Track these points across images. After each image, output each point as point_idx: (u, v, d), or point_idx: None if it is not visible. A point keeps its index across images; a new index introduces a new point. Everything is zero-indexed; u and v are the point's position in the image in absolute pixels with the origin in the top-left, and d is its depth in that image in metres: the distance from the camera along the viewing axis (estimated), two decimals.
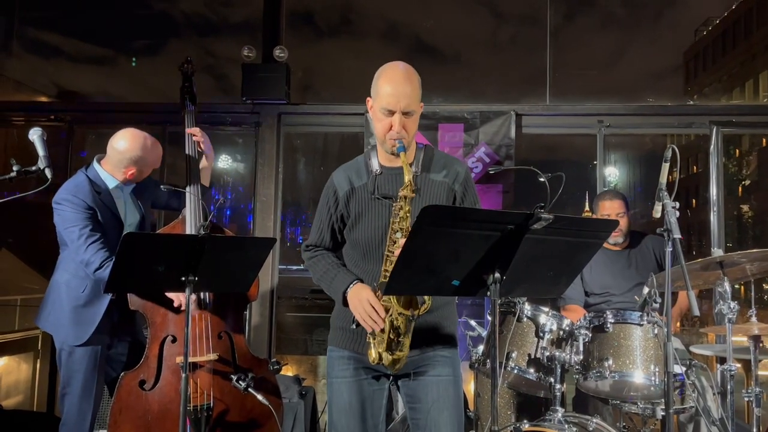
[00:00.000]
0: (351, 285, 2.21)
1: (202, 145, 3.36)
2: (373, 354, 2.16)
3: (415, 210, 2.20)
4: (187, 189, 3.23)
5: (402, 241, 2.07)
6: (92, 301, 3.01)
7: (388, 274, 2.10)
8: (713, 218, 4.93)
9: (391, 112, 2.18)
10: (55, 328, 3.04)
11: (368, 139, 4.89)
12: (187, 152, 3.35)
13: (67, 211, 2.97)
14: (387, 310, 2.11)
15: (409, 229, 2.10)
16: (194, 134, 3.35)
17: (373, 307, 2.11)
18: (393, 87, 2.19)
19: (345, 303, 2.22)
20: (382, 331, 2.12)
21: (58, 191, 3.04)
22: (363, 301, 2.13)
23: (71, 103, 6.35)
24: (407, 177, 2.14)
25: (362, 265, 2.30)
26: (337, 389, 2.32)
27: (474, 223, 1.77)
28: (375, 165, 2.31)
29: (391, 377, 2.33)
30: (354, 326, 2.22)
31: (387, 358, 2.13)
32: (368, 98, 2.31)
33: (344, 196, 2.32)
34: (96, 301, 3.02)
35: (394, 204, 2.19)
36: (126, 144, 3.08)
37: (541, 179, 1.87)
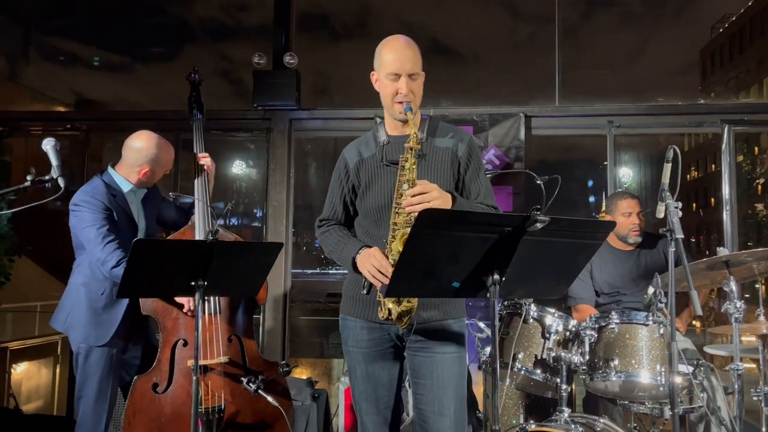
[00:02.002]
0: (360, 250, 2.28)
1: (209, 169, 3.41)
2: (382, 310, 2.21)
3: (421, 175, 2.27)
4: (196, 196, 3.29)
5: (408, 191, 2.14)
6: (112, 303, 3.08)
7: (396, 228, 2.20)
8: (726, 217, 4.92)
9: (398, 76, 2.27)
10: (73, 329, 3.09)
11: None
12: (195, 151, 3.42)
13: (85, 212, 3.04)
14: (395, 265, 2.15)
15: (415, 180, 2.18)
16: (205, 162, 3.41)
17: (380, 262, 2.16)
18: (396, 53, 2.29)
19: (356, 269, 2.28)
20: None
21: (75, 194, 3.11)
22: (370, 257, 2.20)
23: (87, 112, 6.47)
24: (412, 131, 2.20)
25: (373, 232, 2.36)
26: (354, 358, 2.40)
27: (472, 226, 1.80)
28: (383, 135, 2.40)
29: (405, 348, 2.37)
30: (364, 291, 2.27)
31: (395, 310, 2.17)
32: (372, 72, 2.39)
33: (354, 167, 2.41)
34: (115, 303, 3.08)
35: (400, 157, 2.25)
36: (141, 143, 3.19)
37: (538, 182, 1.90)
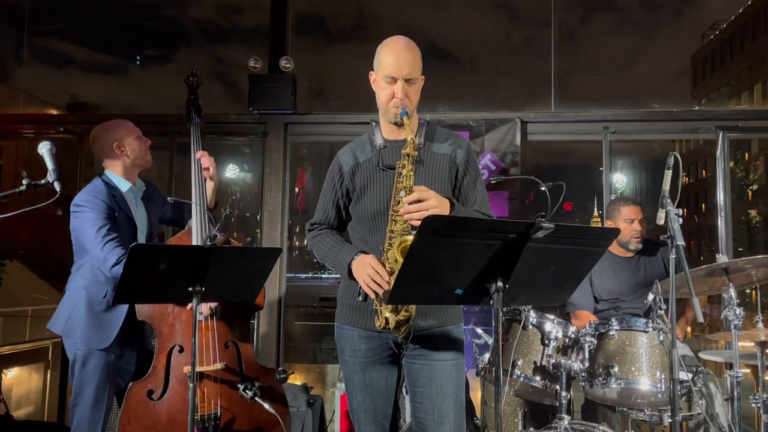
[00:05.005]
0: (356, 256, 2.24)
1: (211, 171, 3.35)
2: (379, 319, 2.18)
3: (419, 181, 2.25)
4: (193, 201, 3.26)
5: (406, 199, 2.11)
6: (113, 306, 3.04)
7: (393, 236, 2.17)
8: (720, 223, 4.93)
9: (394, 79, 2.25)
10: (74, 332, 3.03)
11: None
12: (192, 163, 3.37)
13: (87, 212, 3.01)
14: (391, 273, 2.12)
15: (412, 187, 2.16)
16: (203, 162, 3.34)
17: (376, 271, 2.13)
18: (395, 56, 2.26)
19: (351, 276, 2.25)
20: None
21: (76, 196, 3.09)
22: (366, 266, 2.17)
23: (81, 115, 6.40)
24: (409, 137, 2.18)
25: (368, 237, 2.33)
26: (351, 367, 2.38)
27: (476, 233, 1.78)
28: (379, 139, 2.37)
29: (402, 356, 2.35)
30: (360, 298, 2.24)
31: (393, 319, 2.14)
32: (371, 72, 2.36)
33: (349, 171, 2.37)
34: (117, 306, 3.04)
35: (397, 164, 2.22)
36: (94, 134, 3.27)
37: (542, 188, 1.87)
